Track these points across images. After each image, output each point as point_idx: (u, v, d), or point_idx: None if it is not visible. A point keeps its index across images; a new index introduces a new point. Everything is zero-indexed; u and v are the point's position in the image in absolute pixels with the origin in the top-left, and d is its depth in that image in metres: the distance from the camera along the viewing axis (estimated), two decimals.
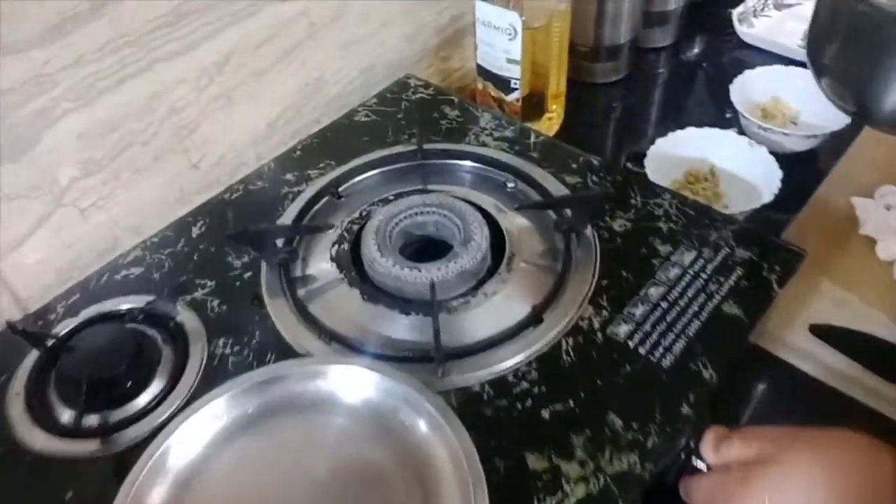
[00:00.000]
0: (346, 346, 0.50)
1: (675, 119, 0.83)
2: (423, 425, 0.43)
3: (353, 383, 0.45)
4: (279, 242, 0.56)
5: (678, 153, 0.72)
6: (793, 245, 0.55)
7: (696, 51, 0.94)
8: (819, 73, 0.56)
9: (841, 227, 0.67)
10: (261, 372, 0.45)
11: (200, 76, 0.58)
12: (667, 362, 0.48)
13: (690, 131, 0.72)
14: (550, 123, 0.79)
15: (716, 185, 0.71)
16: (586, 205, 0.56)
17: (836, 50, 0.54)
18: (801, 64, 0.84)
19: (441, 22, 0.79)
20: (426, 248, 0.57)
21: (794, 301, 0.61)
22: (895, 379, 0.56)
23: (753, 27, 0.92)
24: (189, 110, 0.59)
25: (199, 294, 0.54)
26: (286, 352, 0.50)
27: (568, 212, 0.57)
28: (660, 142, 0.71)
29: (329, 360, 0.46)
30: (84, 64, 0.51)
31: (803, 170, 0.73)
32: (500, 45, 0.71)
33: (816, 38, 0.56)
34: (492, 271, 0.55)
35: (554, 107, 0.79)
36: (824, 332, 0.60)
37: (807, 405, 0.56)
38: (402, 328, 0.51)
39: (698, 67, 0.91)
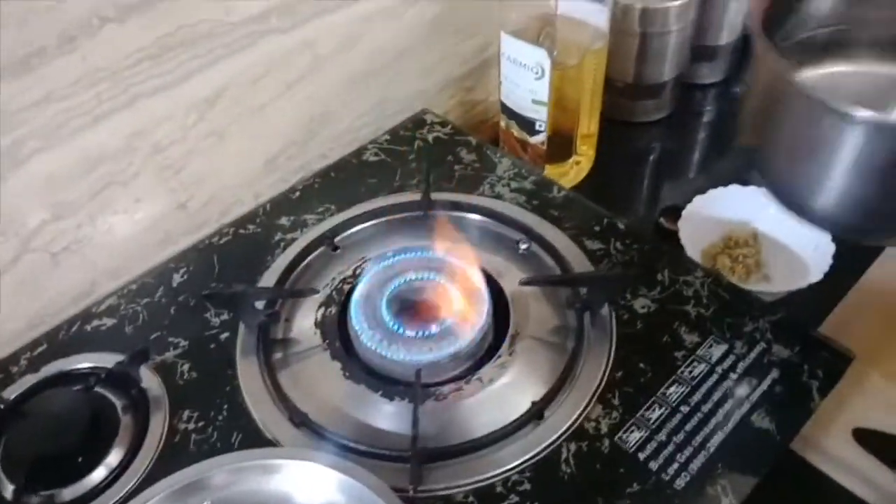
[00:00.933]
0: (317, 433, 0.44)
1: (716, 168, 0.75)
2: None
3: (314, 483, 0.40)
4: (260, 304, 0.51)
5: (718, 213, 0.64)
6: (840, 346, 0.48)
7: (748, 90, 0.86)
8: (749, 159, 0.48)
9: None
10: (207, 465, 0.40)
11: (189, 112, 0.54)
12: (681, 483, 0.42)
13: (734, 189, 0.64)
14: (579, 168, 0.73)
15: (758, 253, 0.63)
16: (605, 285, 0.50)
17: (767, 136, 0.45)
18: None
19: (465, 52, 0.73)
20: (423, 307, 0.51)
21: (835, 398, 0.54)
22: None
23: None
24: (175, 148, 0.54)
25: (169, 355, 0.49)
26: (253, 435, 0.45)
27: (583, 288, 0.51)
28: (698, 199, 0.64)
29: (289, 454, 0.41)
30: (54, 101, 0.46)
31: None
32: (525, 84, 0.65)
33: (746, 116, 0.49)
34: (491, 350, 0.49)
35: (584, 148, 0.72)
36: (870, 439, 0.52)
37: None
38: (385, 416, 0.46)
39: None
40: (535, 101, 0.65)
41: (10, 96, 0.44)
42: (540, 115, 0.66)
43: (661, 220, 0.67)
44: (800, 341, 0.48)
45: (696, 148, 0.79)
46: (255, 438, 0.45)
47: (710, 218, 0.64)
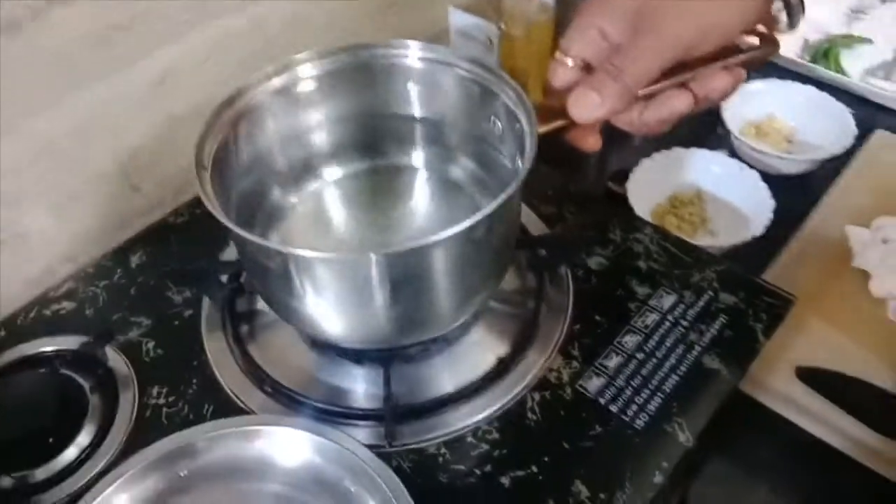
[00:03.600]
0: (291, 399, 0.45)
1: (664, 136, 0.78)
2: (368, 499, 0.39)
3: (291, 447, 0.41)
4: (224, 277, 0.51)
5: (664, 175, 0.67)
6: (782, 290, 0.51)
7: None
8: None
9: (834, 259, 0.63)
10: (186, 434, 0.40)
11: (139, 93, 0.53)
12: (640, 423, 0.44)
13: (677, 152, 0.67)
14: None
15: (703, 211, 0.67)
16: (563, 245, 0.52)
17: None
18: (800, 77, 0.80)
19: (416, 27, 0.74)
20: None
21: (779, 340, 0.57)
22: (888, 431, 0.52)
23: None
24: (126, 130, 0.54)
25: (133, 335, 0.49)
26: (225, 405, 0.46)
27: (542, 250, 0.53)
28: (645, 162, 0.66)
29: (265, 421, 0.42)
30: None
31: (797, 194, 0.69)
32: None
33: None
34: None
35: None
36: (811, 377, 0.56)
37: (792, 458, 0.52)
38: (355, 379, 0.47)
39: None
40: None
41: None
42: None
43: (610, 183, 0.69)
44: (744, 288, 0.51)
45: None
46: (228, 408, 0.45)
47: (657, 180, 0.67)
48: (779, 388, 0.55)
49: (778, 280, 0.61)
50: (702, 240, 0.64)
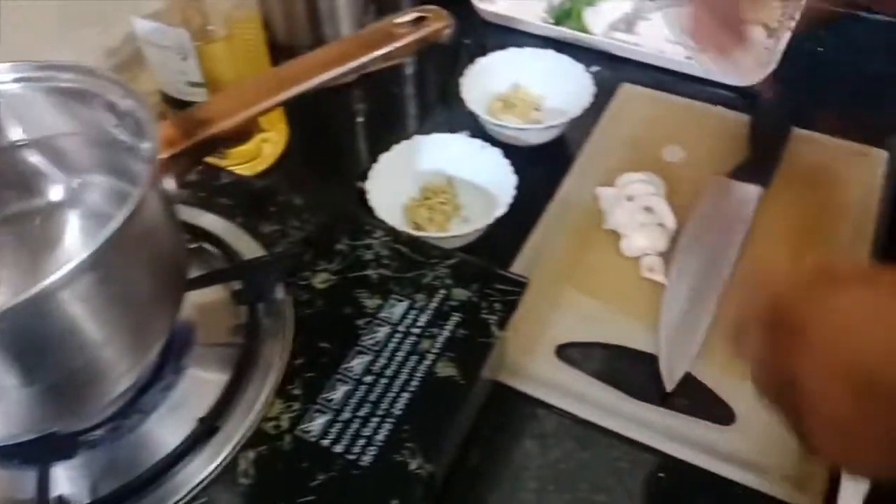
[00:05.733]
0: None
1: (413, 124, 0.75)
2: None
3: None
4: None
5: (409, 167, 0.63)
6: (513, 274, 0.48)
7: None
8: None
9: (587, 225, 0.62)
10: None
11: None
12: (367, 459, 0.40)
13: (418, 140, 0.63)
14: (271, 144, 0.68)
15: (454, 197, 0.63)
16: (267, 270, 0.46)
17: None
18: (546, 42, 0.78)
19: (112, 43, 0.65)
20: None
21: (538, 321, 0.55)
22: (646, 397, 0.51)
23: (495, 3, 0.85)
24: None
25: None
26: None
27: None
28: (384, 157, 0.62)
29: None
30: None
31: (550, 162, 0.68)
32: (175, 66, 0.59)
33: None
34: (159, 371, 0.44)
35: (269, 122, 0.68)
36: (569, 353, 0.54)
37: (568, 445, 0.49)
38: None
39: (440, 56, 0.83)
40: (191, 84, 0.60)
41: None
42: (202, 98, 0.60)
43: (360, 183, 0.65)
44: (477, 280, 0.48)
45: (399, 103, 0.78)
46: None
47: (403, 173, 0.63)
48: (540, 372, 0.53)
49: (532, 258, 0.59)
50: (459, 228, 0.61)
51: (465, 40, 0.83)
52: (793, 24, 0.75)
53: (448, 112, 0.73)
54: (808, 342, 0.31)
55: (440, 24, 0.39)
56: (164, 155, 0.36)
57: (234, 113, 0.37)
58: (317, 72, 0.36)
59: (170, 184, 0.36)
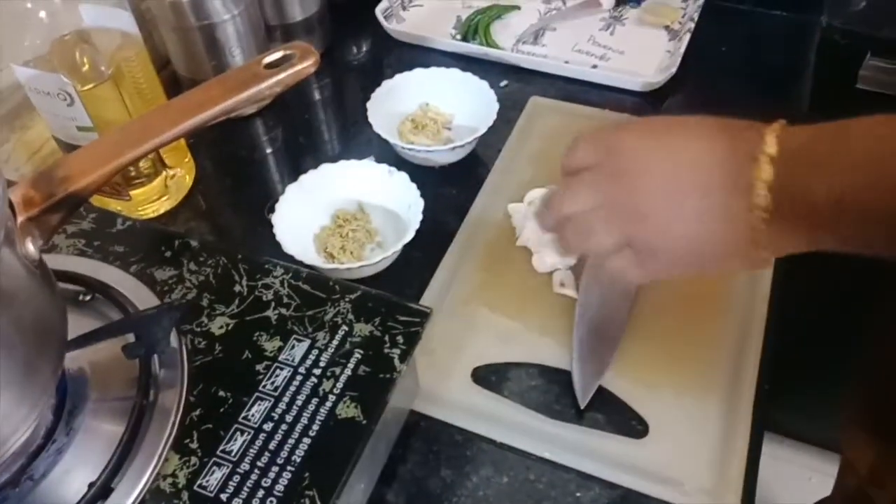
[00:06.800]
0: None
1: (325, 149, 0.74)
2: None
3: None
4: None
5: (320, 196, 0.62)
6: (415, 305, 0.48)
7: (350, 60, 0.85)
8: None
9: (500, 243, 0.62)
10: None
11: None
12: None
13: (326, 168, 0.62)
14: (178, 181, 0.67)
15: (368, 223, 0.63)
16: (158, 320, 0.45)
17: None
18: (452, 59, 0.78)
19: (0, 88, 0.62)
20: None
21: (454, 346, 0.55)
22: (563, 415, 0.51)
23: (404, 21, 0.85)
24: None
25: None
26: None
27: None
28: (291, 188, 0.61)
29: None
30: None
31: (463, 181, 0.67)
32: (63, 113, 0.57)
33: None
34: (50, 434, 0.42)
35: (173, 159, 0.66)
36: (484, 376, 0.54)
37: (486, 471, 0.49)
38: None
39: (349, 79, 0.82)
40: (81, 129, 0.58)
41: None
42: None
43: (270, 216, 0.63)
44: (380, 313, 0.47)
45: (308, 130, 0.77)
46: None
47: (314, 202, 0.62)
48: (456, 398, 0.52)
49: (448, 277, 0.59)
50: (373, 255, 0.60)
51: (374, 61, 0.83)
52: (692, 25, 0.77)
53: (359, 136, 0.72)
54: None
55: (307, 62, 0.39)
56: (22, 217, 0.35)
57: (94, 169, 0.36)
58: (181, 120, 0.35)
59: (30, 246, 0.35)
